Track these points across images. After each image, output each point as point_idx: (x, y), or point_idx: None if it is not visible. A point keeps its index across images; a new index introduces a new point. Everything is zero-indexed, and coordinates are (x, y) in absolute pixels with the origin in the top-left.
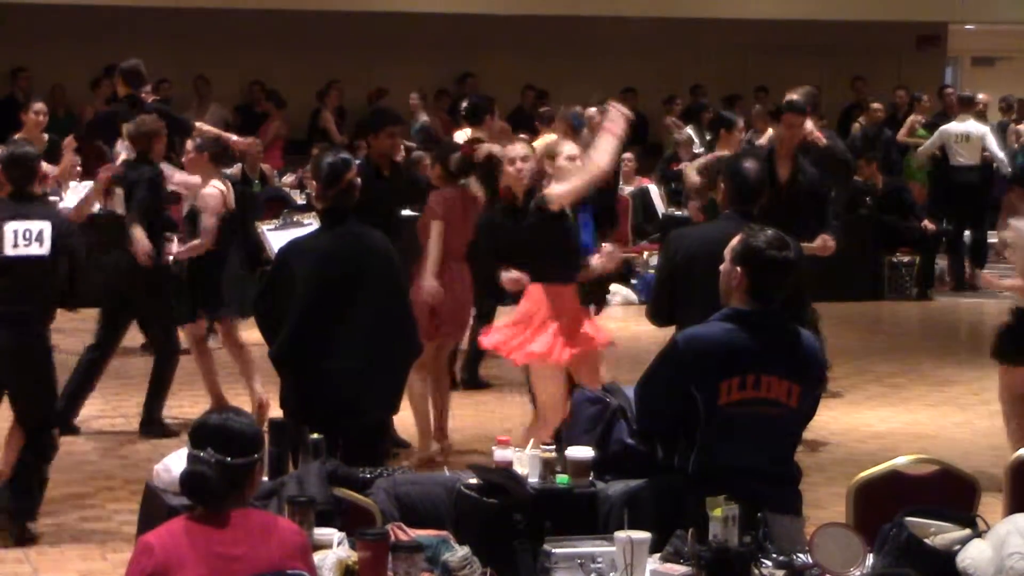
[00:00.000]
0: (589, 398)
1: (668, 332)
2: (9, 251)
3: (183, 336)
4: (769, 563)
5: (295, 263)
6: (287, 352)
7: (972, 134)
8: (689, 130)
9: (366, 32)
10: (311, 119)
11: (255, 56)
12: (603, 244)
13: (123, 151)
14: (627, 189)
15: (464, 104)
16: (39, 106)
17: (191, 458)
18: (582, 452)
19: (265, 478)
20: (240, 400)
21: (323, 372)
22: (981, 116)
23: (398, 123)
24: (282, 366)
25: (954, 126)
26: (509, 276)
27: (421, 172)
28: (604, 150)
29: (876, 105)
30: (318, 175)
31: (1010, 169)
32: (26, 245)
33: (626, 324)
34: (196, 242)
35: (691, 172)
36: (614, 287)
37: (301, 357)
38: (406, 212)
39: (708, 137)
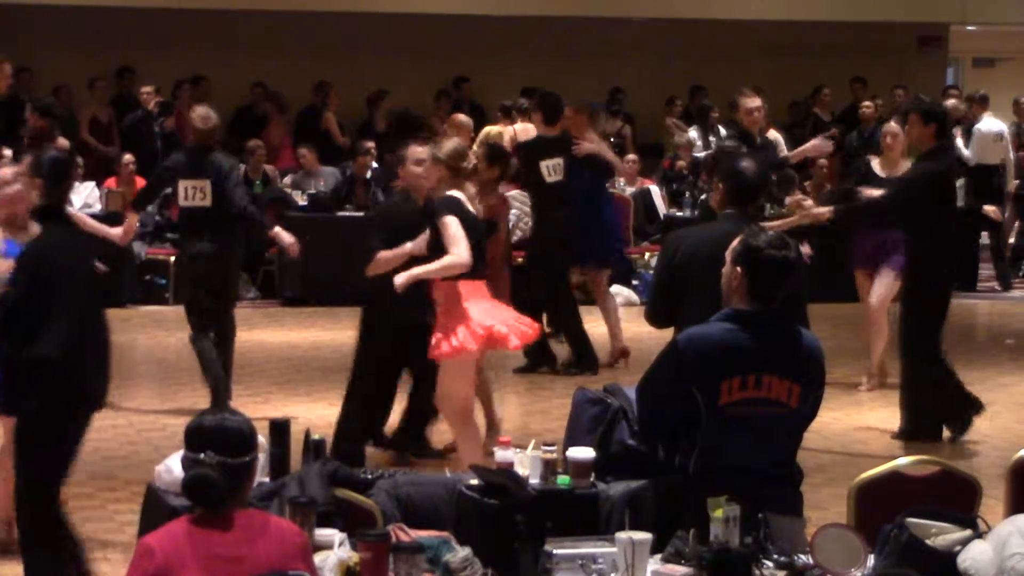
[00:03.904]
0: (590, 399)
1: (669, 332)
2: None
3: None
4: (770, 564)
5: (54, 261)
6: (60, 349)
7: (1004, 133)
8: (692, 131)
9: (366, 33)
10: (309, 120)
11: (255, 57)
12: None
13: None
14: (629, 190)
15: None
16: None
17: (190, 461)
18: (583, 453)
19: (266, 479)
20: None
21: (88, 364)
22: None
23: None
24: (54, 363)
25: (986, 125)
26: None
27: None
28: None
29: (867, 103)
30: (40, 172)
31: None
32: None
33: (627, 325)
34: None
35: None
36: (615, 288)
37: (74, 352)
38: None
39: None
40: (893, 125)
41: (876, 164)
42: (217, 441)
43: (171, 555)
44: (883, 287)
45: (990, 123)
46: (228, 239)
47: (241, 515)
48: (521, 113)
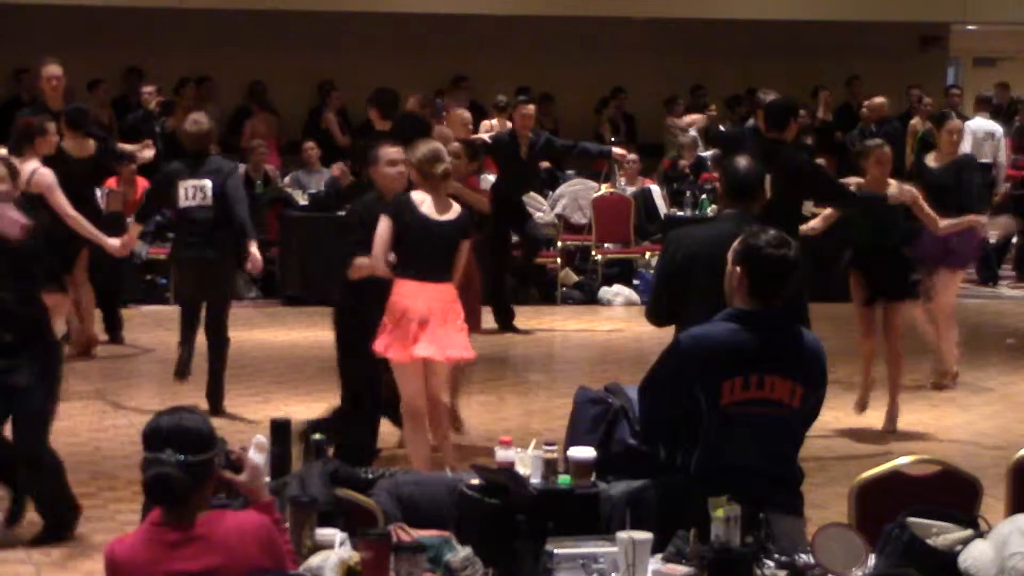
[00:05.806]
0: (591, 398)
1: (670, 332)
2: None
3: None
4: (771, 563)
5: None
6: None
7: (996, 133)
8: (692, 131)
9: (366, 33)
10: (309, 119)
11: (255, 57)
12: None
13: None
14: (629, 189)
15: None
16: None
17: (150, 462)
18: (584, 453)
19: (267, 479)
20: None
21: None
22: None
23: None
24: None
25: (978, 123)
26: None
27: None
28: None
29: (867, 103)
30: None
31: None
32: None
33: (628, 325)
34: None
35: None
36: (616, 287)
37: None
38: None
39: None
40: (958, 121)
41: (931, 158)
42: (176, 440)
43: (131, 572)
44: (953, 284)
45: (980, 123)
46: (223, 240)
47: (202, 521)
48: (499, 110)
